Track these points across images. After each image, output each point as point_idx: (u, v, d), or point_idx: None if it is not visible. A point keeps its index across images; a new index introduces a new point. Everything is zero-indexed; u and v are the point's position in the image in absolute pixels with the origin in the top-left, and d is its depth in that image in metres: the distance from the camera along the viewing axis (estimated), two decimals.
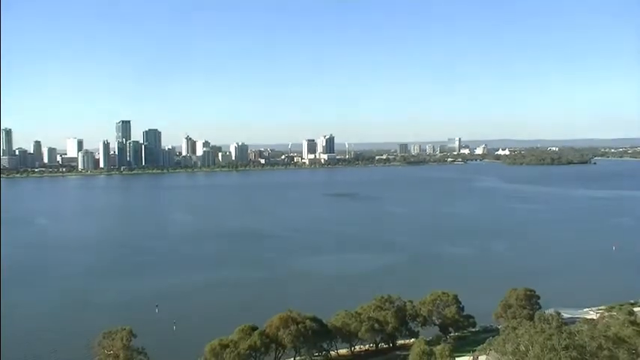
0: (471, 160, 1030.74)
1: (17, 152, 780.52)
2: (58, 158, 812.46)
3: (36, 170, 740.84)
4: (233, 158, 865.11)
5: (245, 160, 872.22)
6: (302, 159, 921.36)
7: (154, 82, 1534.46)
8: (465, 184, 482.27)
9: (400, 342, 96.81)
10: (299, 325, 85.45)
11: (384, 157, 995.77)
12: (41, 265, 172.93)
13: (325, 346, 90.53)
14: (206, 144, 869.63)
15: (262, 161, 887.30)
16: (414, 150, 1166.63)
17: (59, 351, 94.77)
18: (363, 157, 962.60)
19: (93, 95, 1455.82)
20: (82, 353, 78.86)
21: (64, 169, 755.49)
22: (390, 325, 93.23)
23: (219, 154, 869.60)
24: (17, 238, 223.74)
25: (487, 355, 73.93)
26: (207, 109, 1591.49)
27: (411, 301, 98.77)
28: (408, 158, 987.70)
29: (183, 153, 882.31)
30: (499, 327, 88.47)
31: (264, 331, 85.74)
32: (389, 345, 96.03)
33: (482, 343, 79.41)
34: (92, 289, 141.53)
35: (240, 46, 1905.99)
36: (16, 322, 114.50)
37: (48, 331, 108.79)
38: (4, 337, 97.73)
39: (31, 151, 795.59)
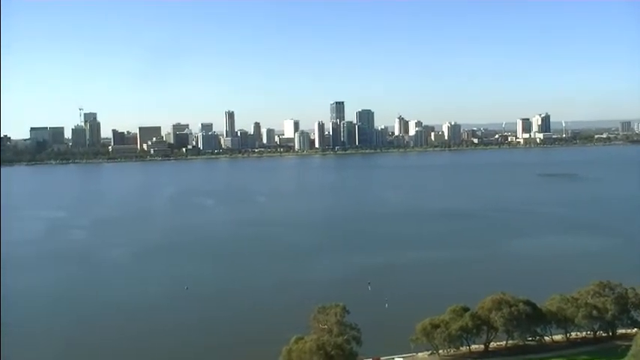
0: None
1: (239, 133, 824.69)
2: (276, 139, 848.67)
3: (255, 150, 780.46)
4: (445, 138, 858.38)
5: (458, 139, 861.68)
6: (516, 138, 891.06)
7: (366, 63, 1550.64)
8: None
9: (621, 331, 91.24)
10: (512, 308, 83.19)
11: (604, 135, 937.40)
12: (256, 241, 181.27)
13: (539, 330, 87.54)
14: (418, 124, 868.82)
15: (475, 141, 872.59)
16: (639, 128, 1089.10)
17: (279, 321, 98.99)
18: (580, 137, 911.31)
19: (307, 77, 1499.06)
20: (300, 325, 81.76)
21: (281, 150, 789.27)
22: (610, 312, 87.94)
23: (432, 134, 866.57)
24: (240, 216, 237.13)
25: None
26: (418, 88, 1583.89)
27: (634, 288, 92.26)
28: (632, 137, 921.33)
29: (396, 133, 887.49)
30: None
31: (476, 312, 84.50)
32: (608, 334, 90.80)
33: None
34: (306, 266, 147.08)
35: None
36: (245, 294, 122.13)
37: (271, 303, 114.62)
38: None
39: (251, 133, 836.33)
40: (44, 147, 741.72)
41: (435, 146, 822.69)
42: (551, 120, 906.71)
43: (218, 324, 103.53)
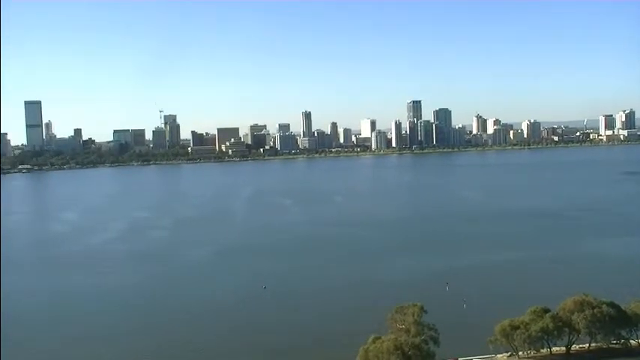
0: None
1: (316, 134, 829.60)
2: (353, 138, 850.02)
3: (332, 150, 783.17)
4: (525, 136, 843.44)
5: (537, 137, 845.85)
6: (598, 136, 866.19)
7: (443, 61, 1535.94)
8: None
9: None
10: (594, 310, 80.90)
11: None
12: (334, 241, 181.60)
13: (624, 334, 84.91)
14: (497, 122, 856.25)
15: (555, 139, 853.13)
16: None
17: (356, 321, 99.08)
18: None
19: (384, 76, 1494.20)
20: (377, 325, 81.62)
21: (358, 149, 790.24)
22: None
23: (511, 132, 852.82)
24: (317, 216, 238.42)
25: None
26: (497, 87, 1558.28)
27: None
28: None
29: (474, 131, 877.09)
30: None
31: (557, 314, 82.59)
32: None
33: None
34: (384, 265, 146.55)
35: None
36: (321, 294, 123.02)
37: (348, 302, 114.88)
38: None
39: (328, 132, 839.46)
40: (126, 149, 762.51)
41: (514, 145, 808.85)
42: (636, 116, 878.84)
43: (295, 323, 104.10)
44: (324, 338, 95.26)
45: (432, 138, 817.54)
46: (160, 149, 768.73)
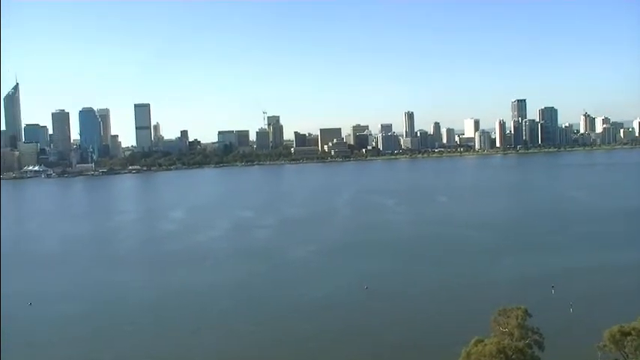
0: None
1: (418, 134, 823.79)
2: (456, 138, 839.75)
3: (435, 150, 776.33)
4: (636, 134, 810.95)
5: None
6: None
7: (547, 58, 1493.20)
8: None
9: None
10: None
11: None
12: (436, 241, 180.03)
13: None
14: (606, 120, 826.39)
15: None
16: None
17: (458, 322, 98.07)
18: None
19: (487, 75, 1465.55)
20: (479, 327, 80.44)
21: (461, 149, 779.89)
22: None
23: (621, 131, 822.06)
24: (420, 216, 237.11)
25: None
26: (605, 84, 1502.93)
27: None
28: None
29: (581, 130, 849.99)
30: None
31: None
32: None
33: None
34: (486, 266, 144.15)
35: None
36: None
37: (450, 303, 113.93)
38: None
39: (431, 133, 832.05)
40: (231, 150, 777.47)
41: (625, 144, 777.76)
42: None
43: (395, 324, 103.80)
44: (425, 340, 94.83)
45: (538, 137, 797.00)
46: (264, 150, 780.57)
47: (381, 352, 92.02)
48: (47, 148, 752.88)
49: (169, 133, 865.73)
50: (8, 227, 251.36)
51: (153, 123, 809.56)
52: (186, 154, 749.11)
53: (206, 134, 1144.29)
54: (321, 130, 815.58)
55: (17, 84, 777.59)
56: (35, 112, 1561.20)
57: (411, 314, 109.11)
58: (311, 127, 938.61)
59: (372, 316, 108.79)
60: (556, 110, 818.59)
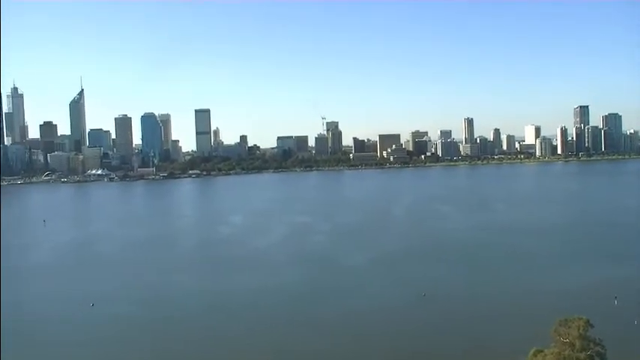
0: None
1: (478, 140, 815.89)
2: (516, 145, 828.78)
3: (495, 157, 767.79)
4: None
5: None
6: None
7: (610, 64, 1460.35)
8: None
9: None
10: None
11: None
12: (494, 249, 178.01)
13: None
14: None
15: None
16: None
17: (516, 332, 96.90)
18: None
19: (549, 80, 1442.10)
20: (539, 337, 79.18)
21: (521, 156, 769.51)
22: None
23: None
24: (477, 222, 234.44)
25: None
26: None
27: None
28: None
29: None
30: None
31: None
32: None
33: None
34: (545, 275, 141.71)
35: None
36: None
37: (507, 312, 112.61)
38: None
39: (491, 139, 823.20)
40: (289, 155, 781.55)
41: None
42: None
43: (453, 332, 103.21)
44: (483, 349, 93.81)
45: (601, 144, 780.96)
46: (322, 155, 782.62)
47: None
48: (110, 153, 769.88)
49: (229, 138, 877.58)
50: (74, 230, 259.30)
51: (213, 128, 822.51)
52: (245, 159, 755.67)
53: (265, 139, 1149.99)
54: (380, 136, 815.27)
55: (82, 90, 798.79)
56: (99, 117, 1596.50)
57: (468, 322, 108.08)
58: (370, 132, 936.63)
59: (428, 324, 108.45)
60: (620, 116, 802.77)
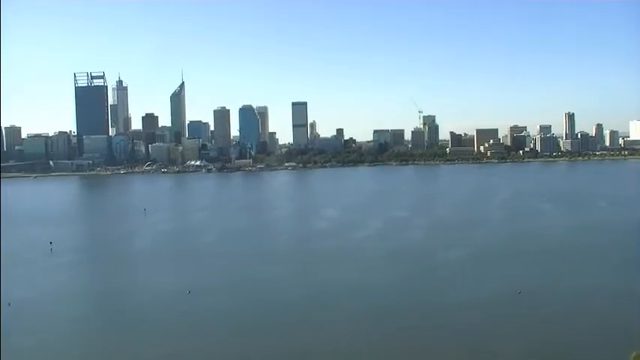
0: None
1: (579, 136, 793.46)
2: (620, 141, 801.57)
3: (597, 153, 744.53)
4: None
5: None
6: None
7: None
8: None
9: None
10: None
11: None
12: (593, 248, 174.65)
13: None
14: None
15: None
16: None
17: (615, 334, 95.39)
18: None
19: None
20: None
21: (625, 153, 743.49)
22: None
23: None
24: (577, 221, 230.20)
25: None
26: None
27: None
28: None
29: None
30: None
31: None
32: None
33: None
34: None
35: None
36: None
37: (606, 313, 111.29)
38: None
39: (593, 135, 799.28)
40: (385, 148, 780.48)
41: None
42: None
43: (546, 331, 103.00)
44: (578, 352, 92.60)
45: None
46: (419, 149, 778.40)
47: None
48: (208, 144, 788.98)
49: (325, 131, 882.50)
50: (173, 220, 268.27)
51: (309, 121, 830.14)
52: (341, 152, 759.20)
53: (361, 133, 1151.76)
54: (477, 130, 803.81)
55: (183, 83, 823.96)
56: (198, 110, 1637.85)
57: (563, 323, 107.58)
58: (467, 127, 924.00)
59: (522, 322, 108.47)
60: None
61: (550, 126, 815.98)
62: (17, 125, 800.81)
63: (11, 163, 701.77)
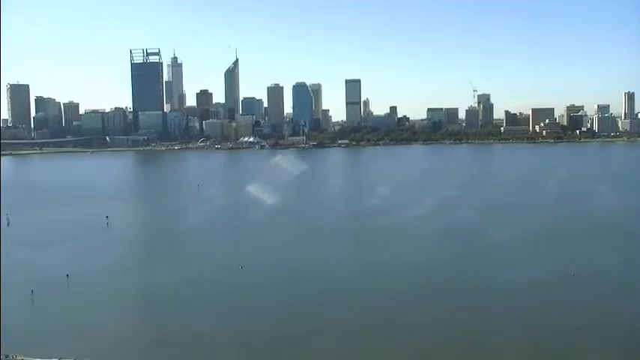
0: None
1: (639, 115, 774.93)
2: None
3: None
4: None
5: None
6: None
7: None
8: None
9: None
10: None
11: None
12: None
13: None
14: None
15: None
16: None
17: None
18: None
19: None
20: None
21: None
22: None
23: None
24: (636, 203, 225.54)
25: None
26: None
27: None
28: None
29: None
30: None
31: None
32: None
33: None
34: None
35: None
36: None
37: None
38: None
39: None
40: (439, 127, 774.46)
41: None
42: None
43: (599, 315, 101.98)
44: (629, 339, 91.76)
45: None
46: (472, 128, 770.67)
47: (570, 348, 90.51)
48: (262, 121, 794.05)
49: (379, 108, 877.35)
50: (226, 195, 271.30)
51: (363, 99, 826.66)
52: (394, 130, 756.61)
53: (415, 111, 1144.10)
54: (532, 109, 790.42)
55: (237, 59, 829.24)
56: (252, 86, 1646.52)
57: (615, 307, 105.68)
58: (522, 106, 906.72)
59: (578, 303, 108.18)
60: None
61: (608, 105, 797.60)
62: (75, 101, 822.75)
63: (69, 138, 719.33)
